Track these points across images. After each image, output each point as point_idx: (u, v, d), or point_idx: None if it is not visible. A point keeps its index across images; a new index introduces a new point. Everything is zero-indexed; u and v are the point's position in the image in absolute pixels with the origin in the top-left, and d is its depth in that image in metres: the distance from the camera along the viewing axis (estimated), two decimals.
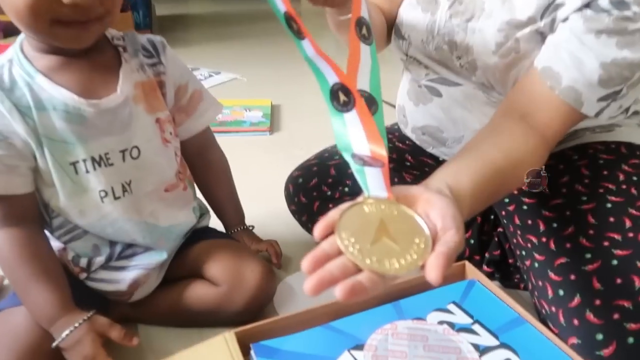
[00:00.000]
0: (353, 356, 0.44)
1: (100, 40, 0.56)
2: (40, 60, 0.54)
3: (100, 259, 0.61)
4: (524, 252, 0.62)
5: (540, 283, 0.58)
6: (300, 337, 0.47)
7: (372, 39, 0.43)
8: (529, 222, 0.63)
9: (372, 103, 0.40)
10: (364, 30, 0.43)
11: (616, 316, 0.50)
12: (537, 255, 0.59)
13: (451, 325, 0.47)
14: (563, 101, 0.53)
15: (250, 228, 0.78)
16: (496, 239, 0.74)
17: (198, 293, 0.65)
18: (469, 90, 0.67)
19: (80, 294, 0.59)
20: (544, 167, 0.56)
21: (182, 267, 0.67)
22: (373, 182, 0.38)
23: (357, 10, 0.43)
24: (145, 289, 0.65)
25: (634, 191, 0.58)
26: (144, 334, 0.66)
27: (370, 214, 0.38)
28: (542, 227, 0.61)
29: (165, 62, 0.62)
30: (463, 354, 0.44)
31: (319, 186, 0.78)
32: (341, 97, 0.39)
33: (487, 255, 0.75)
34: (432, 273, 0.33)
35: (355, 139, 0.39)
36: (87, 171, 0.56)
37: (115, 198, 0.58)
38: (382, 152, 0.39)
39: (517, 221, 0.65)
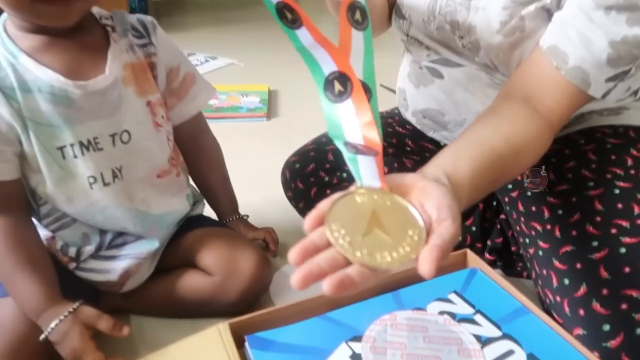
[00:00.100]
0: (351, 348, 0.44)
1: (86, 19, 0.54)
2: (24, 40, 0.52)
3: (89, 248, 0.60)
4: (527, 240, 0.61)
5: (544, 272, 0.57)
6: (296, 329, 0.46)
7: (367, 23, 0.42)
8: (533, 208, 0.62)
9: (365, 91, 0.39)
10: (357, 15, 0.41)
11: (624, 306, 0.49)
12: (541, 243, 0.58)
13: (452, 315, 0.46)
14: (569, 82, 0.51)
15: (245, 217, 0.77)
16: (498, 226, 0.73)
17: (191, 283, 0.64)
18: (471, 71, 0.65)
19: (70, 284, 0.58)
20: (547, 153, 0.55)
21: (175, 256, 0.66)
22: (366, 171, 0.37)
23: None
24: (137, 279, 0.63)
25: None
26: (136, 325, 0.65)
27: (362, 204, 0.36)
28: (546, 214, 0.59)
29: (156, 42, 0.60)
30: (464, 346, 0.43)
31: (316, 172, 0.77)
32: (336, 86, 0.38)
33: (489, 242, 0.74)
34: (425, 266, 0.32)
35: (349, 127, 0.38)
36: (75, 156, 0.54)
37: (105, 184, 0.57)
38: (377, 141, 0.38)
39: (521, 208, 0.64)
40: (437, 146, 0.77)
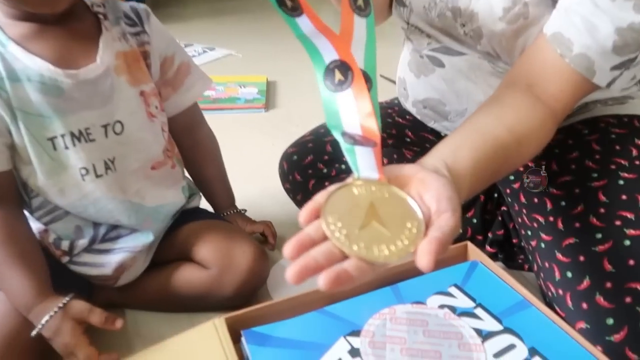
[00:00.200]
0: (349, 342, 0.43)
1: (77, 6, 0.53)
2: (13, 28, 0.51)
3: (83, 242, 0.59)
4: (529, 232, 0.60)
5: (546, 264, 0.56)
6: (293, 323, 0.46)
7: (370, 9, 0.41)
8: (535, 200, 0.61)
9: (365, 81, 0.38)
10: (360, 1, 0.40)
11: (628, 300, 0.48)
12: (543, 235, 0.57)
13: (452, 309, 0.46)
14: (574, 70, 0.50)
15: (243, 211, 0.76)
16: (500, 218, 0.72)
17: (187, 277, 0.63)
18: (473, 59, 0.64)
19: (64, 278, 0.57)
20: (551, 143, 0.54)
21: (170, 249, 0.65)
22: (363, 162, 0.36)
23: None
24: (132, 273, 0.62)
25: None
26: (131, 319, 0.65)
27: (359, 196, 0.36)
28: (549, 206, 0.59)
29: (149, 31, 0.59)
30: (465, 340, 0.43)
31: (315, 163, 0.76)
32: (337, 75, 0.37)
33: (490, 235, 0.73)
34: (423, 259, 0.31)
35: (347, 117, 0.38)
36: (66, 147, 0.53)
37: (97, 176, 0.56)
38: (375, 131, 0.37)
39: (523, 199, 0.63)
40: (438, 137, 0.76)
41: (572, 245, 0.54)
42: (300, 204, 0.80)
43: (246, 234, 0.70)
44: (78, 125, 0.53)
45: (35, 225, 0.58)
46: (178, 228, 0.66)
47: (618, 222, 0.53)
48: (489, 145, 0.44)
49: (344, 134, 0.37)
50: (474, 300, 0.47)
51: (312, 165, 0.76)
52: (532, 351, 0.41)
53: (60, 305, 0.52)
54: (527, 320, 0.44)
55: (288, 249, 0.31)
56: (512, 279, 0.48)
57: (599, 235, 0.53)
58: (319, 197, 0.35)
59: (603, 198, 0.55)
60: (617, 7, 0.47)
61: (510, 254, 0.72)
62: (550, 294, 0.55)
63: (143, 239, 0.61)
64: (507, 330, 0.43)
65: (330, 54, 0.37)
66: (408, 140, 0.78)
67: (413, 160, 0.41)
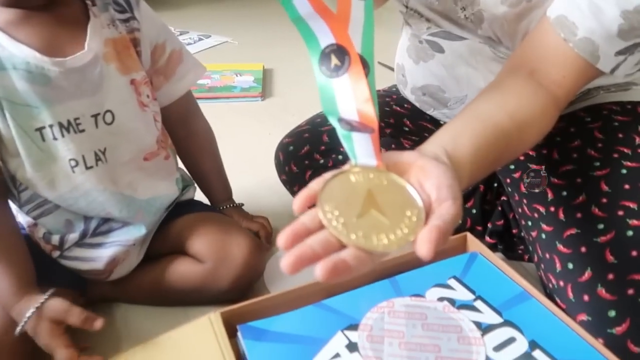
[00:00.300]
0: (347, 337, 0.43)
1: None
2: None
3: (73, 236, 0.58)
4: (530, 223, 0.60)
5: (547, 255, 0.55)
6: (290, 317, 0.45)
7: None
8: (536, 190, 0.60)
9: (363, 66, 0.36)
10: None
11: (630, 292, 0.48)
12: (544, 226, 0.57)
13: (452, 302, 0.45)
14: (577, 55, 0.48)
15: (240, 205, 0.75)
16: (499, 208, 0.72)
17: (181, 270, 0.62)
18: (474, 44, 0.63)
19: (55, 273, 0.57)
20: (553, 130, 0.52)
21: (164, 242, 0.64)
22: (361, 148, 0.35)
23: None
24: (125, 267, 0.62)
25: None
26: (124, 314, 0.64)
27: (357, 184, 0.34)
28: (550, 196, 0.58)
29: (139, 17, 0.57)
30: (464, 333, 0.43)
31: (311, 154, 0.75)
32: (333, 60, 0.36)
33: (489, 225, 0.72)
34: (423, 247, 0.30)
35: (344, 104, 0.36)
36: (55, 138, 0.52)
37: (87, 168, 0.55)
38: (373, 117, 0.36)
39: (523, 189, 0.62)
40: (437, 125, 0.75)
41: (573, 236, 0.53)
42: (295, 194, 0.79)
43: (242, 227, 0.68)
44: (67, 115, 0.52)
45: (25, 220, 0.57)
46: (172, 221, 0.65)
47: (620, 212, 0.52)
48: (489, 132, 0.43)
49: (340, 120, 0.36)
50: (473, 292, 0.46)
51: (308, 156, 0.75)
52: (533, 344, 0.41)
53: (38, 305, 0.50)
54: (527, 313, 0.44)
55: (282, 238, 0.30)
56: (512, 271, 0.48)
57: (601, 226, 0.52)
58: (314, 184, 0.34)
59: (605, 187, 0.54)
60: None
61: (510, 245, 0.72)
62: (550, 285, 0.54)
63: (135, 233, 0.60)
64: (507, 323, 0.43)
65: (326, 38, 0.36)
66: (406, 129, 0.76)
67: (411, 149, 0.40)
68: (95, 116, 0.54)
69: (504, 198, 0.71)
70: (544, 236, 0.57)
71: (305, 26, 0.36)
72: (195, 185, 0.72)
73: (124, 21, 0.56)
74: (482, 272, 0.48)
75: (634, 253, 0.49)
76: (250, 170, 0.93)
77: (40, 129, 0.51)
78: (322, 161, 0.75)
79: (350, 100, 0.36)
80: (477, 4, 0.57)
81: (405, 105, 0.78)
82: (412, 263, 0.50)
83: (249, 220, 0.73)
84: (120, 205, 0.58)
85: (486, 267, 0.49)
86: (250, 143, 1.06)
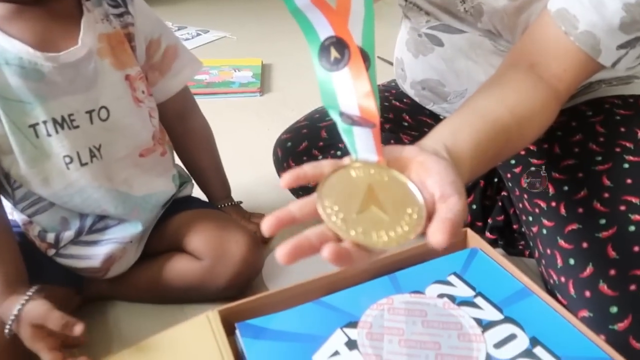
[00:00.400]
0: (346, 334, 0.43)
1: None
2: None
3: (69, 234, 0.57)
4: (531, 218, 0.59)
5: (548, 251, 0.55)
6: (289, 315, 0.45)
7: None
8: (537, 185, 0.60)
9: (364, 59, 0.36)
10: None
11: (633, 287, 0.47)
12: (545, 221, 0.56)
13: (452, 298, 0.45)
14: (578, 48, 0.48)
15: (239, 203, 0.74)
16: (500, 203, 0.71)
17: (179, 268, 0.62)
18: (474, 38, 0.62)
19: (50, 271, 0.56)
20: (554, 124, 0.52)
21: (162, 240, 0.64)
22: (362, 143, 0.35)
23: None
24: (122, 265, 0.61)
25: None
26: (121, 312, 0.63)
27: (357, 179, 0.34)
28: (551, 191, 0.57)
29: (133, 12, 0.57)
30: (465, 330, 0.42)
31: (310, 150, 0.75)
32: (333, 53, 0.35)
33: (489, 221, 0.72)
34: (437, 236, 0.29)
35: (344, 98, 0.36)
36: (49, 134, 0.52)
37: (82, 164, 0.54)
38: (374, 112, 0.35)
39: (524, 184, 0.62)
40: (436, 120, 0.74)
41: (574, 231, 0.53)
42: (296, 192, 0.79)
43: (240, 224, 0.68)
44: (61, 111, 0.51)
45: (20, 217, 0.57)
46: (169, 218, 0.64)
47: (623, 207, 0.51)
48: (489, 127, 0.43)
49: (341, 114, 0.36)
50: (473, 288, 0.46)
51: (307, 152, 0.75)
52: (534, 341, 0.41)
53: (19, 306, 0.48)
54: (528, 309, 0.43)
55: (265, 223, 0.30)
56: (513, 267, 0.48)
57: (603, 221, 0.51)
58: (307, 167, 0.34)
59: (607, 182, 0.54)
60: None
61: (510, 240, 0.71)
62: (552, 281, 0.54)
63: (132, 230, 0.59)
64: (507, 319, 0.43)
65: (325, 30, 0.36)
66: (406, 124, 0.76)
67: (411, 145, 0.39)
68: (90, 112, 0.53)
69: (504, 193, 0.70)
70: (545, 231, 0.56)
71: (303, 18, 0.35)
72: (193, 182, 0.72)
73: (118, 16, 0.55)
74: (482, 268, 0.48)
75: (636, 248, 0.49)
76: (249, 166, 0.92)
77: (33, 126, 0.51)
78: (320, 157, 0.75)
79: (350, 94, 0.36)
80: None
81: (405, 100, 0.77)
82: (411, 259, 0.49)
83: (247, 219, 0.72)
84: (115, 202, 0.57)
85: (486, 263, 0.49)
86: (249, 139, 1.06)
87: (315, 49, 0.36)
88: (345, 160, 0.35)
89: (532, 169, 0.61)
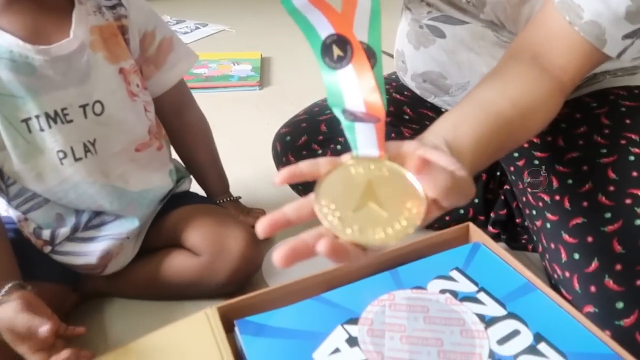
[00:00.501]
0: (347, 331, 0.43)
1: None
2: None
3: (64, 230, 0.56)
4: (534, 212, 0.58)
5: (552, 245, 0.54)
6: (288, 312, 0.45)
7: None
8: (541, 178, 0.59)
9: (370, 56, 0.35)
10: None
11: (639, 283, 0.46)
12: (549, 215, 0.55)
13: (454, 294, 0.45)
14: (583, 39, 0.47)
15: (237, 198, 0.74)
16: (502, 197, 0.71)
17: (177, 264, 0.61)
18: (476, 29, 0.61)
19: (46, 268, 0.55)
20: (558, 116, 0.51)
21: (160, 235, 0.63)
22: (363, 138, 0.34)
23: None
24: (120, 261, 0.60)
25: None
26: (119, 309, 0.63)
27: (356, 175, 0.33)
28: (555, 184, 0.57)
29: (126, 4, 0.56)
30: (467, 326, 0.42)
31: (309, 144, 0.74)
32: (335, 51, 0.35)
33: (492, 215, 0.71)
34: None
35: (349, 94, 0.36)
36: (42, 129, 0.51)
37: (76, 159, 0.53)
38: (379, 106, 0.35)
39: (527, 177, 0.61)
40: (438, 113, 0.73)
41: (579, 225, 0.52)
42: (295, 187, 0.78)
43: (238, 219, 0.67)
44: (53, 106, 0.51)
45: (15, 214, 0.56)
46: (167, 213, 0.63)
47: (628, 201, 0.50)
48: (492, 120, 0.42)
49: (344, 111, 0.35)
50: (476, 284, 0.46)
51: (306, 146, 0.74)
52: (538, 337, 0.40)
53: None
54: (531, 305, 0.43)
55: (260, 225, 0.30)
56: (516, 261, 0.47)
57: (608, 215, 0.51)
58: (303, 164, 0.33)
59: (612, 175, 0.53)
60: None
61: (513, 234, 0.71)
62: (556, 276, 0.53)
63: (128, 226, 0.58)
64: (511, 315, 0.42)
65: (325, 29, 0.35)
66: (406, 117, 0.75)
67: (412, 138, 0.39)
68: (83, 106, 0.52)
69: (507, 187, 0.69)
70: (548, 225, 0.55)
71: (302, 19, 0.35)
72: (191, 177, 0.71)
73: (110, 8, 0.54)
74: (485, 263, 0.48)
75: None
76: (248, 160, 0.91)
77: (26, 120, 0.50)
78: (320, 152, 0.74)
79: (356, 90, 0.35)
80: None
81: (405, 93, 0.77)
82: (413, 254, 0.49)
83: (245, 213, 0.72)
84: (111, 198, 0.56)
85: (489, 258, 0.48)
86: (248, 133, 1.05)
87: (317, 48, 0.35)
88: (344, 157, 0.34)
89: (535, 162, 0.61)
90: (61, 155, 0.52)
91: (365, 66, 0.35)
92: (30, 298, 0.48)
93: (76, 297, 0.61)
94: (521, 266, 0.46)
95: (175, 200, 0.65)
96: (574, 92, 0.58)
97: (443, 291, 0.45)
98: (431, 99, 0.73)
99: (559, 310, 0.42)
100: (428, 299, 0.44)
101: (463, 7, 0.60)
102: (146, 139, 0.59)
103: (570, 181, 0.55)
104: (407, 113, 0.75)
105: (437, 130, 0.39)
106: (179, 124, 0.66)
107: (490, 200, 0.72)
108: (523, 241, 0.70)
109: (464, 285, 0.45)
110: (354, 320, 0.42)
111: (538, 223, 0.57)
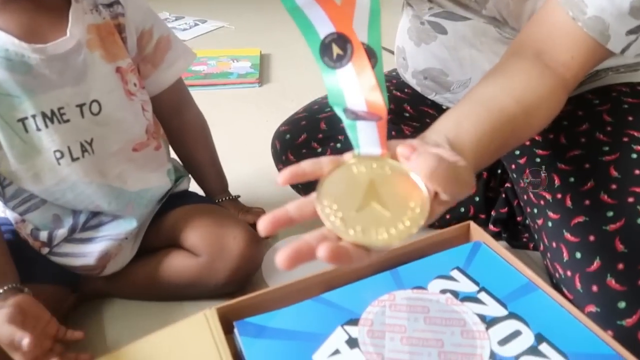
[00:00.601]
0: (347, 332, 0.42)
1: None
2: None
3: (62, 231, 0.56)
4: (535, 210, 0.58)
5: (554, 244, 0.54)
6: (288, 313, 0.44)
7: None
8: (543, 176, 0.59)
9: (370, 56, 0.35)
10: None
11: None
12: (551, 214, 0.55)
13: (455, 294, 0.44)
14: (587, 34, 0.46)
15: (236, 197, 0.73)
16: (503, 195, 0.70)
17: (176, 264, 0.61)
18: (478, 25, 0.61)
19: (45, 269, 0.55)
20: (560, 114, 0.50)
21: (158, 236, 0.63)
22: (365, 137, 0.34)
23: None
24: (118, 262, 0.60)
25: None
26: (118, 310, 0.63)
27: (359, 175, 0.33)
28: (557, 182, 0.56)
29: (123, 2, 0.55)
30: (468, 327, 0.42)
31: (309, 142, 0.73)
32: (335, 50, 0.35)
33: (493, 213, 0.71)
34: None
35: (350, 94, 0.35)
36: (39, 129, 0.50)
37: (74, 159, 0.53)
38: (381, 104, 0.34)
39: (529, 176, 0.60)
40: (439, 111, 0.73)
41: (581, 224, 0.52)
42: (295, 185, 0.78)
43: (238, 218, 0.67)
44: (50, 105, 0.50)
45: (12, 216, 0.56)
46: (166, 213, 0.63)
47: (631, 199, 0.50)
48: (494, 117, 0.42)
49: (345, 110, 0.35)
50: (477, 283, 0.45)
51: (305, 145, 0.74)
52: (539, 337, 0.40)
53: None
54: (533, 304, 0.43)
55: (262, 223, 0.30)
56: (517, 260, 0.47)
57: (610, 213, 0.50)
58: (304, 164, 0.33)
59: (615, 173, 0.52)
60: None
61: (514, 233, 0.70)
62: (557, 275, 0.53)
63: (126, 226, 0.58)
64: (512, 315, 0.42)
65: (325, 27, 0.35)
66: (407, 115, 0.75)
67: (412, 136, 0.38)
68: (80, 106, 0.52)
69: (508, 185, 0.69)
70: (550, 224, 0.55)
71: (302, 17, 0.34)
72: (190, 176, 0.71)
73: (107, 6, 0.54)
74: (486, 263, 0.47)
75: None
76: (247, 158, 0.91)
77: (22, 120, 0.49)
78: (320, 150, 0.73)
79: (356, 89, 0.35)
80: None
81: (406, 90, 0.76)
82: (413, 254, 0.49)
83: (244, 212, 0.71)
84: (109, 198, 0.56)
85: (490, 257, 0.48)
86: (247, 130, 1.05)
87: (315, 48, 0.35)
88: (346, 156, 0.34)
89: (537, 160, 0.60)
90: (58, 155, 0.52)
91: (366, 64, 0.34)
92: (27, 302, 0.48)
93: (75, 298, 0.61)
94: (522, 265, 0.46)
95: (174, 200, 0.64)
96: (576, 88, 0.58)
97: (444, 291, 0.44)
98: (432, 96, 0.73)
99: (561, 310, 0.42)
100: (428, 299, 0.44)
101: (465, 3, 0.60)
102: (144, 139, 0.58)
103: (572, 179, 0.55)
104: (408, 110, 0.75)
105: (439, 128, 0.39)
106: (177, 123, 0.66)
107: (491, 199, 0.72)
108: (524, 240, 0.70)
109: (465, 285, 0.45)
110: (354, 321, 0.42)
111: (539, 221, 0.57)
